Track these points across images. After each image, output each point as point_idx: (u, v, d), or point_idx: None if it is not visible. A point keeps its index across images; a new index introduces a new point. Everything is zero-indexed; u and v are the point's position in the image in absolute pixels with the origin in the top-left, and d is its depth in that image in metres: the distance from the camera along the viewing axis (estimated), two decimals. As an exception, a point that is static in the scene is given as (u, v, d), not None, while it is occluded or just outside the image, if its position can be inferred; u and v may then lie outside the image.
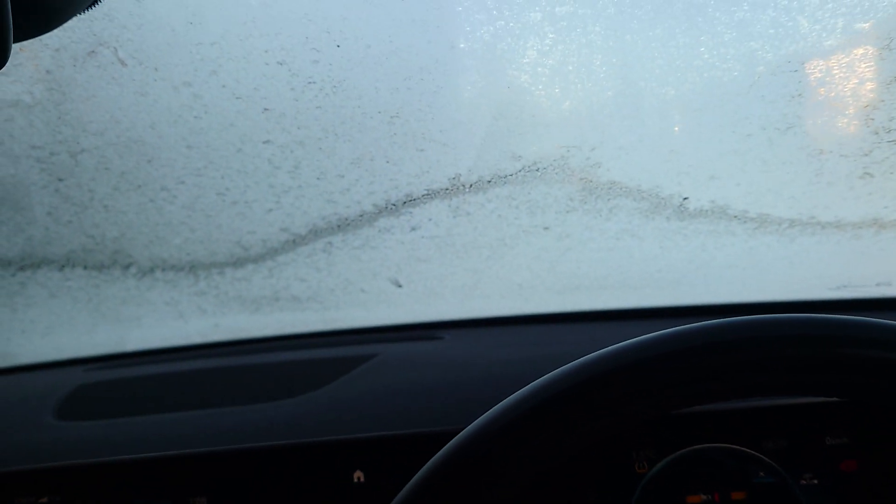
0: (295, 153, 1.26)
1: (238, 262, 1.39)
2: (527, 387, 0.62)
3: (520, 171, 1.28)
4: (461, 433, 0.62)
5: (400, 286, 1.44)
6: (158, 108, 1.21)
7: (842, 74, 1.19)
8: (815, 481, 0.95)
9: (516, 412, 0.61)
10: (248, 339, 1.48)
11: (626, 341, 0.61)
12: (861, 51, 1.16)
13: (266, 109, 1.21)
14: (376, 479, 0.99)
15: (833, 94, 1.20)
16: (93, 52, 1.13)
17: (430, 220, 1.35)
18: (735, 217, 1.31)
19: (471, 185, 1.30)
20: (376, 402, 1.10)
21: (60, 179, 1.28)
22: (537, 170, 1.28)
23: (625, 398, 0.59)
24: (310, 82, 1.19)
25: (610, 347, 0.63)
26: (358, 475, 0.99)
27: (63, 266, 1.39)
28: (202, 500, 1.01)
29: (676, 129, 1.26)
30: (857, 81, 1.19)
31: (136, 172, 1.28)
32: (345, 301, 1.47)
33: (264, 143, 1.25)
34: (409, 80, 1.20)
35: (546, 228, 1.36)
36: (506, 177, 1.28)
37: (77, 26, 1.10)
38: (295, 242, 1.37)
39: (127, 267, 1.39)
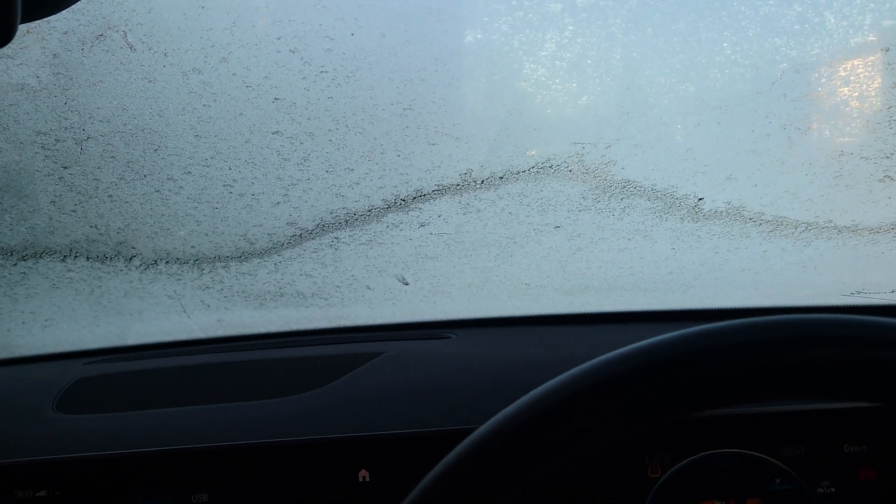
0: (304, 145, 1.24)
1: (243, 257, 1.37)
2: (551, 381, 0.60)
3: (533, 167, 1.26)
4: (480, 428, 0.59)
5: (407, 284, 1.42)
6: (167, 96, 1.18)
7: (867, 73, 1.16)
8: (833, 490, 0.92)
9: (539, 408, 0.59)
10: (252, 335, 1.46)
11: (658, 337, 0.59)
12: (888, 49, 1.14)
13: (276, 99, 1.19)
14: (382, 479, 0.96)
15: (857, 94, 1.18)
16: (101, 35, 1.11)
17: (439, 216, 1.32)
18: (750, 219, 1.29)
19: (482, 182, 1.28)
20: (382, 400, 1.07)
21: (65, 167, 1.25)
22: (551, 167, 1.26)
23: (656, 397, 0.56)
24: (322, 71, 1.16)
25: (639, 343, 0.60)
26: (363, 474, 0.96)
27: (66, 256, 1.36)
28: (204, 497, 0.98)
29: (695, 126, 1.24)
30: (881, 81, 1.17)
31: (143, 161, 1.26)
32: (350, 298, 1.45)
33: (273, 133, 1.23)
34: (423, 71, 1.18)
35: (557, 227, 1.33)
36: (518, 173, 1.26)
37: (86, 8, 1.08)
38: (301, 237, 1.35)
39: (130, 259, 1.37)
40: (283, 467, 0.98)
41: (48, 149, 1.24)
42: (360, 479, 0.96)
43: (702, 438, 0.95)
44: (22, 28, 0.60)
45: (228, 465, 0.99)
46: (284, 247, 1.36)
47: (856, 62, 1.17)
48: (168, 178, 1.28)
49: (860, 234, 1.28)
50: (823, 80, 1.18)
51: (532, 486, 0.58)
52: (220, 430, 1.04)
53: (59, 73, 1.16)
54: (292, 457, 0.98)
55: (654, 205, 1.29)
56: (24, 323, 1.46)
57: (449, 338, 1.31)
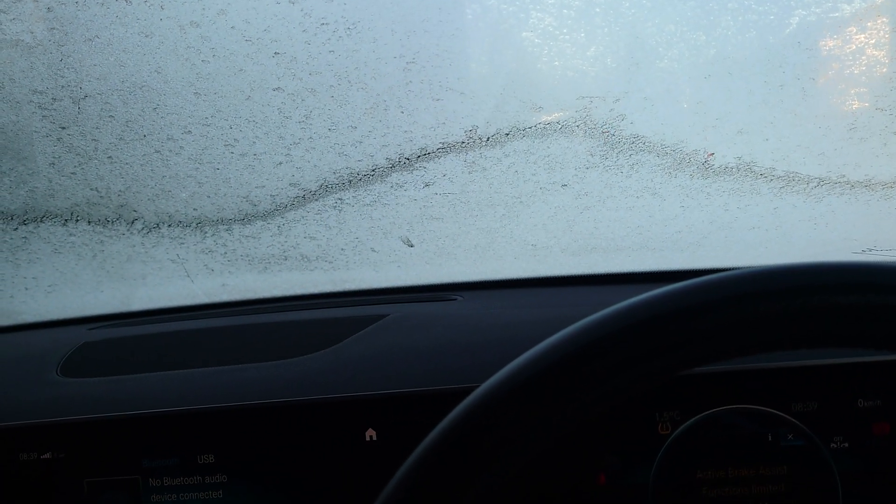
0: (306, 102, 1.21)
1: (246, 219, 1.36)
2: (549, 339, 0.59)
3: (539, 123, 1.23)
4: (478, 389, 0.58)
5: (412, 246, 1.40)
6: (164, 51, 1.16)
7: (885, 20, 1.13)
8: (846, 445, 0.91)
9: (537, 367, 0.57)
10: (256, 299, 1.45)
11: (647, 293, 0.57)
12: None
13: (277, 53, 1.16)
14: (389, 438, 0.96)
15: (873, 41, 1.14)
16: (95, -14, 1.08)
17: (444, 175, 1.30)
18: (762, 175, 1.26)
19: (488, 139, 1.25)
20: (387, 361, 1.07)
21: (63, 127, 1.23)
22: (558, 122, 1.24)
23: (650, 353, 0.55)
24: (322, 23, 1.13)
25: (632, 299, 0.59)
26: (370, 433, 0.96)
27: (67, 220, 1.35)
28: (210, 458, 0.98)
29: (705, 78, 1.21)
30: (897, 27, 1.13)
31: (142, 121, 1.23)
32: (355, 261, 1.43)
33: (274, 90, 1.20)
34: (427, 22, 1.15)
35: (564, 186, 1.31)
36: (524, 129, 1.24)
37: (78, -42, 1.06)
38: (305, 198, 1.33)
39: (132, 222, 1.35)
40: (290, 427, 0.97)
41: (45, 108, 1.22)
42: (367, 439, 0.96)
43: (712, 395, 0.93)
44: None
45: (235, 425, 0.98)
46: (288, 208, 1.34)
47: (873, 8, 1.13)
48: (168, 138, 1.25)
49: (874, 190, 1.26)
50: (839, 26, 1.14)
51: (536, 445, 0.57)
52: (225, 391, 1.03)
53: (54, 28, 1.14)
54: (299, 417, 0.98)
55: (663, 161, 1.26)
56: (27, 289, 1.44)
57: (455, 300, 1.30)
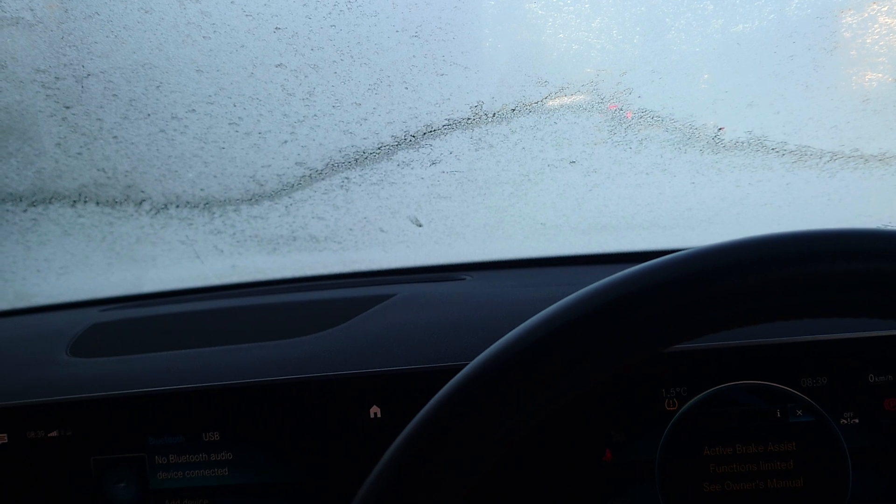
0: (309, 78, 1.20)
1: (254, 199, 1.35)
2: (552, 307, 0.58)
3: (546, 97, 1.22)
4: (480, 356, 0.57)
5: (420, 225, 1.39)
6: (164, 27, 1.15)
7: (899, -15, 1.10)
8: (857, 420, 0.90)
9: (539, 334, 0.56)
10: (266, 280, 1.45)
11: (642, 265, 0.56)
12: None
13: (278, 28, 1.15)
14: (393, 415, 0.95)
15: (886, 9, 1.11)
16: (91, -40, 1.08)
17: (450, 153, 1.29)
18: (773, 149, 1.24)
19: (494, 115, 1.23)
20: (394, 339, 1.06)
21: (67, 107, 1.23)
22: (564, 96, 1.22)
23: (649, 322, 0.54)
24: (323, -5, 1.12)
25: (638, 266, 0.58)
26: (375, 410, 0.95)
27: (75, 202, 1.35)
28: (215, 435, 0.98)
29: (714, 49, 1.18)
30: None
31: (145, 99, 1.23)
32: (364, 241, 1.42)
33: (277, 66, 1.19)
34: (429, -7, 1.13)
35: (572, 162, 1.29)
36: (530, 105, 1.22)
37: (74, -69, 1.05)
38: (311, 177, 1.32)
39: (140, 203, 1.35)
40: (295, 405, 0.97)
41: (49, 87, 1.22)
42: (372, 416, 0.95)
43: (720, 371, 0.92)
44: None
45: (240, 403, 0.98)
46: (294, 188, 1.34)
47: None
48: (172, 117, 1.25)
49: (888, 163, 1.23)
50: (852, -6, 1.11)
51: (537, 413, 0.56)
52: (231, 369, 1.03)
53: (54, 5, 1.13)
54: (303, 394, 0.97)
55: (673, 136, 1.24)
56: (38, 271, 1.45)
57: (464, 279, 1.30)
